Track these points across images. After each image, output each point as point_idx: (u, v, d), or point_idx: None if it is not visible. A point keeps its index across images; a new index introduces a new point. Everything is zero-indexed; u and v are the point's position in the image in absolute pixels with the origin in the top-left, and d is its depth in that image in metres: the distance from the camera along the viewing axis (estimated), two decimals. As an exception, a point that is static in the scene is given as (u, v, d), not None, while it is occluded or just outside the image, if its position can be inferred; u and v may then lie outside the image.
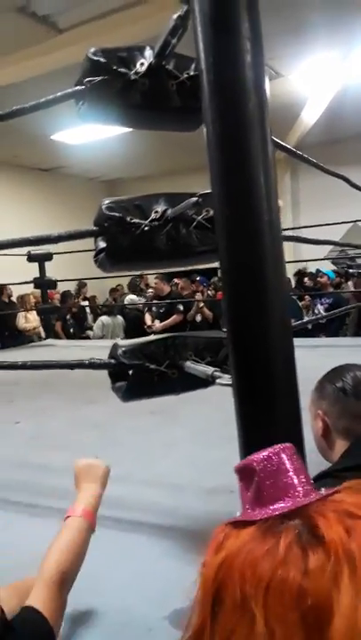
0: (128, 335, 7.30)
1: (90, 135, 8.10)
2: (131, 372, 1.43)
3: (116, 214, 1.40)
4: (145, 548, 1.62)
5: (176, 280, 7.37)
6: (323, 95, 7.13)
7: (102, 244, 1.48)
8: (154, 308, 7.26)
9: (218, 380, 1.12)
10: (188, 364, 1.37)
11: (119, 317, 8.02)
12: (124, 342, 1.50)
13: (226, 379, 1.12)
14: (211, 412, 2.95)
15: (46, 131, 7.94)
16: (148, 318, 7.36)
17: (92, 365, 1.46)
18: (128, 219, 1.40)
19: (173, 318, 6.74)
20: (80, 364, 1.49)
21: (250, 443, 0.99)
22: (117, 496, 1.99)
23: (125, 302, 8.37)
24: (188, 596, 1.31)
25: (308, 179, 5.43)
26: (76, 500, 1.09)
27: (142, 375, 1.44)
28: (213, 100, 1.01)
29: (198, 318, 7.13)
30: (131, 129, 7.84)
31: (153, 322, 7.09)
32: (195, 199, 1.28)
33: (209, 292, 7.57)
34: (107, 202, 1.43)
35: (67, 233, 1.62)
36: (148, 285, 9.31)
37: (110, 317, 7.99)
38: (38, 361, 1.60)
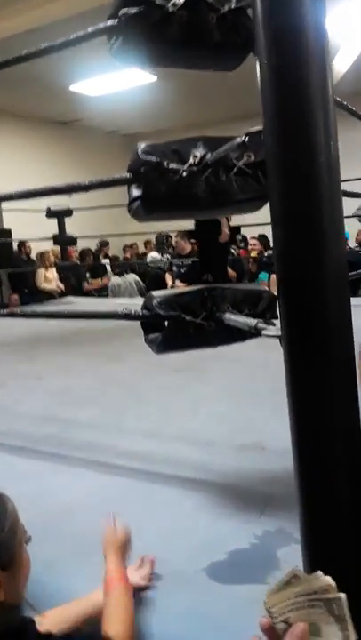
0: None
1: (110, 86, 7.86)
2: (167, 323, 1.39)
3: (153, 159, 1.32)
4: (177, 502, 1.62)
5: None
6: (355, 42, 6.79)
7: (137, 192, 1.40)
8: (174, 268, 7.15)
9: (264, 332, 1.07)
10: (228, 315, 1.32)
11: (131, 276, 7.87)
12: (158, 293, 1.44)
13: (272, 330, 1.07)
14: (235, 369, 2.93)
15: (65, 81, 7.72)
16: (168, 278, 7.24)
17: (127, 316, 1.42)
18: (165, 164, 1.32)
19: (198, 277, 6.62)
20: (114, 315, 1.45)
21: (301, 397, 0.95)
22: (148, 451, 1.99)
23: (148, 260, 8.28)
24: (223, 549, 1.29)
25: (339, 131, 5.16)
26: (112, 570, 1.12)
27: (178, 327, 1.39)
28: (269, 28, 0.92)
29: (219, 277, 7.02)
30: (154, 79, 7.59)
31: (173, 282, 6.98)
32: (241, 139, 1.20)
33: (232, 249, 7.44)
34: (143, 146, 1.36)
35: (98, 181, 1.55)
36: (170, 245, 9.20)
37: (121, 277, 7.87)
38: (72, 311, 1.56)
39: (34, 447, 2.09)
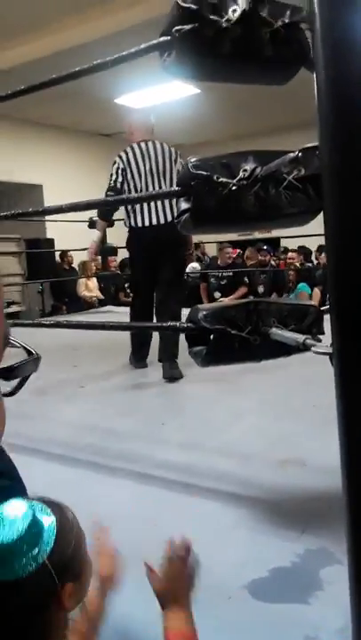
0: (186, 303, 7.24)
1: (153, 98, 7.97)
2: (212, 336, 1.39)
3: (203, 173, 1.33)
4: (217, 516, 1.60)
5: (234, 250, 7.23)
6: None
7: (185, 205, 1.42)
8: (212, 280, 7.12)
9: (313, 349, 1.06)
10: (275, 330, 1.31)
11: None
12: (204, 306, 1.44)
13: (322, 347, 1.05)
14: (274, 383, 2.90)
15: (111, 94, 7.87)
16: (202, 289, 7.18)
17: (173, 329, 1.43)
18: (215, 177, 1.33)
19: (240, 290, 6.58)
20: (160, 327, 1.46)
21: (352, 415, 0.93)
22: (187, 462, 1.98)
23: (187, 270, 8.29)
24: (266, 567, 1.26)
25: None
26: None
27: (223, 340, 1.39)
28: (328, 41, 0.92)
29: (261, 289, 7.01)
30: (197, 91, 7.63)
31: (208, 294, 6.92)
32: (294, 154, 1.19)
33: (272, 261, 7.41)
34: (193, 160, 1.37)
35: (147, 194, 1.57)
36: (204, 254, 9.23)
37: None
38: (119, 322, 1.58)
39: (73, 456, 2.11)
